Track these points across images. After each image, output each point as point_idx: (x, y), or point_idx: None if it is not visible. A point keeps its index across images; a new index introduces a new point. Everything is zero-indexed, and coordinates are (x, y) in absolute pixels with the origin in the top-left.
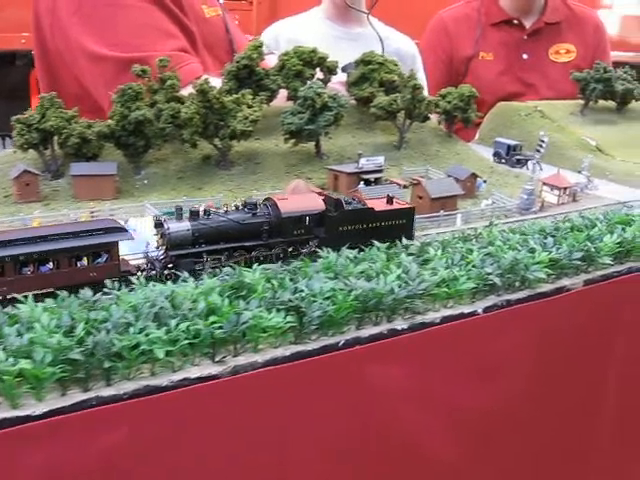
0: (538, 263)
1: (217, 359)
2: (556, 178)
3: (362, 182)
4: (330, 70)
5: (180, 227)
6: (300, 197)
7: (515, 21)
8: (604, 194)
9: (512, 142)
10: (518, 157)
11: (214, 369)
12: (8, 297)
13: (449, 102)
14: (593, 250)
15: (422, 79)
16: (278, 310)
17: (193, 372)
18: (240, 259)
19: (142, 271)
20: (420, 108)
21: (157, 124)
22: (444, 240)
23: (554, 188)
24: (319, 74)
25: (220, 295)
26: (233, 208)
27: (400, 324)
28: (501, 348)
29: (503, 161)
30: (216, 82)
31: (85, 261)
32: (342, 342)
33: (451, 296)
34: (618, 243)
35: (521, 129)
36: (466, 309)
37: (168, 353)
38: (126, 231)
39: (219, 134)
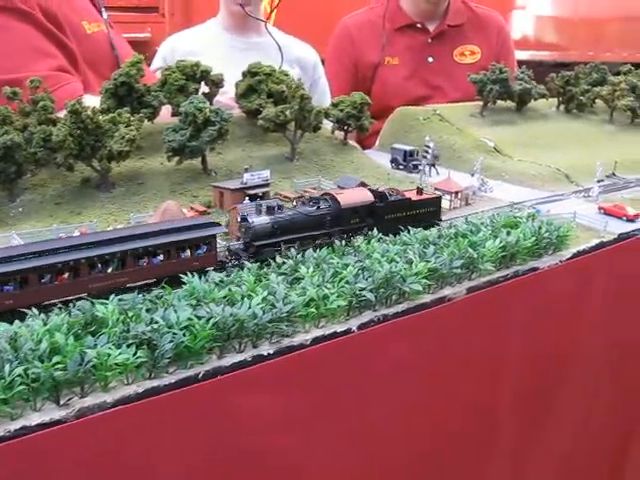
0: (416, 274)
1: (62, 402)
2: (447, 182)
3: (247, 198)
4: (215, 83)
5: (262, 220)
6: (353, 191)
7: (419, 25)
8: (498, 196)
9: (408, 148)
10: (415, 162)
11: (58, 413)
12: (128, 286)
13: (342, 110)
14: (475, 257)
15: (324, 87)
16: (129, 345)
17: (33, 419)
18: (308, 247)
19: (230, 260)
20: (309, 118)
21: (28, 149)
22: (319, 256)
23: (445, 193)
24: (204, 88)
25: (67, 332)
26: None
27: (266, 349)
28: (380, 365)
29: (401, 167)
30: (96, 101)
31: (188, 252)
32: (202, 373)
33: (322, 315)
34: (501, 248)
35: (419, 134)
36: (339, 327)
37: (3, 401)
38: (220, 225)
39: (96, 156)
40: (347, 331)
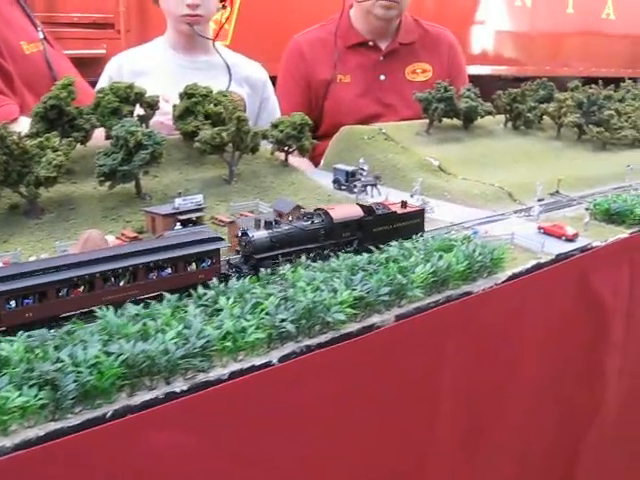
0: (340, 303)
1: None
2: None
3: (179, 223)
4: (150, 105)
5: (261, 235)
6: (344, 207)
7: (370, 43)
8: (439, 216)
9: (350, 168)
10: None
11: None
12: (139, 298)
13: (281, 131)
14: (404, 283)
15: (274, 105)
16: (31, 386)
17: None
18: (303, 259)
19: (232, 273)
20: (246, 140)
21: None
22: (242, 286)
23: None
24: (139, 110)
25: None
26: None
27: (180, 386)
28: (304, 398)
29: (343, 188)
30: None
31: (194, 266)
32: (110, 413)
33: (241, 349)
34: (432, 273)
35: (364, 153)
36: (258, 361)
37: None
38: (224, 240)
39: (23, 182)
40: (267, 364)
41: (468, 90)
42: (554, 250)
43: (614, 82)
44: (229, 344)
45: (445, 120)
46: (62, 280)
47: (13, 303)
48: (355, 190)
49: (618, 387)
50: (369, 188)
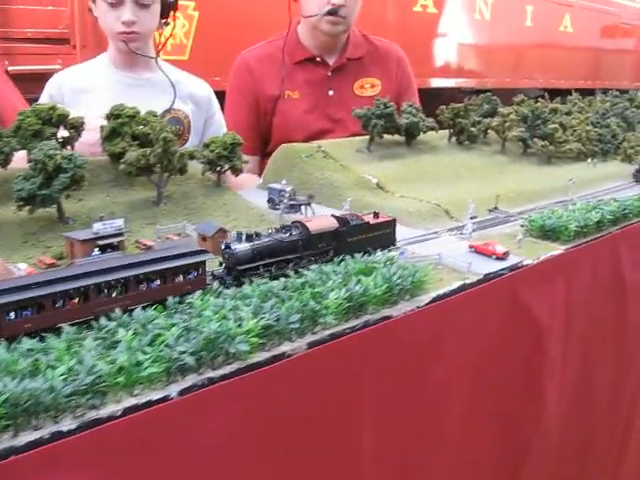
0: (246, 332)
1: None
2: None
3: (97, 248)
4: (74, 127)
5: (243, 247)
6: (320, 218)
7: (318, 59)
8: None
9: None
10: (292, 202)
11: None
12: (130, 308)
13: (212, 151)
14: (317, 309)
15: (220, 122)
16: None
17: None
18: (283, 270)
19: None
20: (173, 161)
21: None
22: (145, 316)
23: None
24: (63, 132)
25: None
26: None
27: (68, 425)
28: (207, 433)
29: (277, 207)
30: None
31: (181, 277)
32: None
33: (136, 383)
34: (346, 298)
35: (302, 171)
36: (156, 395)
37: None
38: (209, 252)
39: None
40: (165, 398)
41: (410, 106)
42: (483, 270)
43: (574, 93)
44: (122, 379)
45: (387, 136)
46: (59, 292)
47: (12, 314)
48: (279, 212)
49: (560, 399)
50: (303, 208)
